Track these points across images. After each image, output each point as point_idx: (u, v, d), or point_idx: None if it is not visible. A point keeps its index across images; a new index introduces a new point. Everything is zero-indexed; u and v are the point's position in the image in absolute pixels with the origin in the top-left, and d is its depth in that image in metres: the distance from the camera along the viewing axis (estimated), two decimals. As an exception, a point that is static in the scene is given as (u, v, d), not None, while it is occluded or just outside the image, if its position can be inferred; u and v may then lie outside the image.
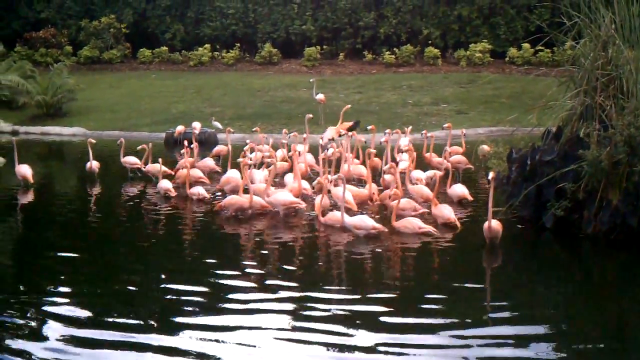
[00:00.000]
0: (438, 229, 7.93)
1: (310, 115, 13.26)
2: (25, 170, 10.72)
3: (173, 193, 9.81)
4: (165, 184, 9.92)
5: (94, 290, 6.45)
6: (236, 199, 8.72)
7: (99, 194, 10.77)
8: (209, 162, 11.38)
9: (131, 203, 10.09)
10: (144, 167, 11.19)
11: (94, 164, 11.36)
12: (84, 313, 5.73)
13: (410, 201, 8.54)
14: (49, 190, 11.37)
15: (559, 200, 7.57)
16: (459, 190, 9.18)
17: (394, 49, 24.29)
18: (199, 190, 9.65)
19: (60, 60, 23.88)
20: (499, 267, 7.18)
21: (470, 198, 9.16)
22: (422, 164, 11.00)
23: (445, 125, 11.83)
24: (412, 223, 7.90)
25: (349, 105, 14.10)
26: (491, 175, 7.57)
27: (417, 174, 9.86)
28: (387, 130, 11.24)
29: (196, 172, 10.44)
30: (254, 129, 13.50)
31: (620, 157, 7.24)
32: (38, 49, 25.89)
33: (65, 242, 8.02)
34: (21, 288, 6.49)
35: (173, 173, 10.70)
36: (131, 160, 11.44)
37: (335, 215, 8.31)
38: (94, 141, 11.74)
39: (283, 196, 8.76)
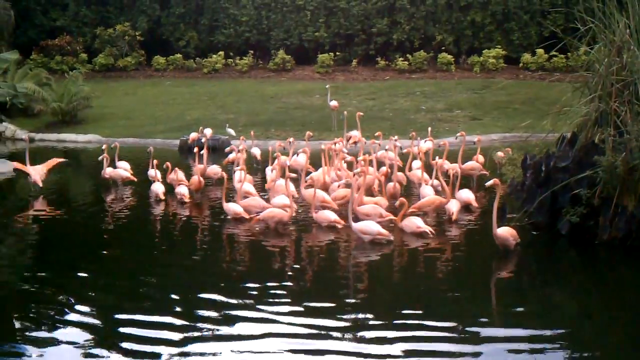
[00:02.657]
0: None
1: (361, 113, 13.44)
2: (34, 174, 10.88)
3: (162, 197, 10.10)
4: (157, 187, 10.20)
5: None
6: (276, 211, 8.43)
7: (112, 201, 10.78)
8: (216, 168, 11.41)
9: (141, 211, 10.14)
10: (106, 175, 11.24)
11: (108, 171, 11.46)
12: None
13: (376, 207, 8.51)
14: (63, 196, 11.42)
15: (574, 206, 7.52)
16: (465, 195, 9.18)
17: (407, 55, 24.29)
18: (183, 191, 9.90)
19: (75, 67, 24.05)
20: (513, 274, 7.14)
21: (475, 204, 9.18)
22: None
23: (459, 134, 11.80)
24: (412, 222, 8.02)
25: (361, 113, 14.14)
26: (490, 182, 7.61)
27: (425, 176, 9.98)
28: (395, 137, 11.29)
29: (179, 175, 10.58)
30: (250, 132, 13.79)
31: (636, 163, 7.19)
32: (54, 57, 26.11)
33: (71, 258, 7.75)
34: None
35: (135, 179, 11.14)
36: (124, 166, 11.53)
37: (324, 214, 8.40)
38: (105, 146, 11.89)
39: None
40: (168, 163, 10.78)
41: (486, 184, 7.73)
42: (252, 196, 9.29)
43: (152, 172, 11.00)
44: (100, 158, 11.40)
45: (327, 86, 18.05)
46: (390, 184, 9.80)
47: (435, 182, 9.86)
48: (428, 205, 8.81)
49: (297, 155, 11.08)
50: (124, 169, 11.53)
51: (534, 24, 24.12)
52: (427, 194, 9.29)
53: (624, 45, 7.93)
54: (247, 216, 8.79)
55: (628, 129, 7.44)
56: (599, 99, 7.94)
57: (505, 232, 7.29)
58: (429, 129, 13.17)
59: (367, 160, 9.58)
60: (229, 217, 8.94)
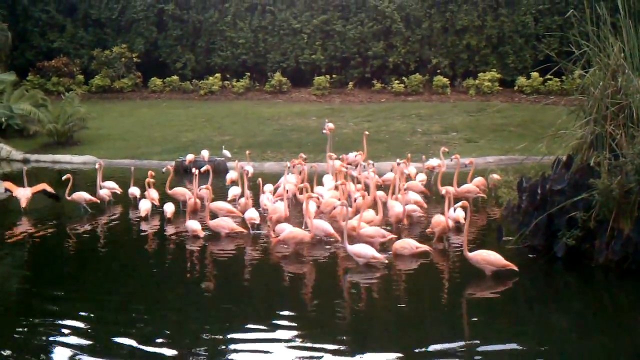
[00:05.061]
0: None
1: (367, 132, 13.56)
2: (21, 194, 11.01)
3: (143, 214, 10.27)
4: (142, 205, 10.44)
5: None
6: (296, 232, 8.41)
7: (106, 223, 10.75)
8: (203, 190, 11.39)
9: (133, 234, 10.12)
10: (68, 197, 11.15)
11: (101, 192, 11.48)
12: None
13: (378, 229, 8.56)
14: (53, 218, 11.28)
15: (570, 229, 7.52)
16: (454, 215, 9.15)
17: (403, 77, 24.39)
18: (169, 209, 10.13)
19: (71, 89, 24.10)
20: (509, 297, 7.10)
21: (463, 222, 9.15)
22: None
23: (453, 156, 11.84)
24: (409, 244, 7.99)
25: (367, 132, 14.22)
26: (459, 204, 7.76)
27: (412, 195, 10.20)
28: (398, 160, 11.31)
29: (152, 194, 10.89)
30: (247, 152, 14.20)
31: (632, 186, 7.20)
32: (50, 78, 26.15)
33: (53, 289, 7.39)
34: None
35: (98, 200, 11.26)
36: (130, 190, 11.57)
37: (281, 227, 8.66)
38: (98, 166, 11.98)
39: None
40: (150, 179, 11.04)
41: (454, 206, 7.83)
42: (227, 213, 9.68)
43: (132, 190, 11.36)
44: (64, 178, 11.41)
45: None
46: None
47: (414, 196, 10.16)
48: (436, 226, 8.81)
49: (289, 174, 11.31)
50: (109, 188, 11.68)
51: (529, 48, 24.29)
52: (397, 209, 9.46)
53: (618, 68, 7.97)
54: (201, 234, 9.07)
55: (623, 152, 7.46)
56: (594, 122, 7.97)
57: (476, 256, 7.30)
58: (442, 148, 12.99)
59: (345, 185, 9.83)
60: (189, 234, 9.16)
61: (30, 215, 10.93)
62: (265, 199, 10.29)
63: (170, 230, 9.82)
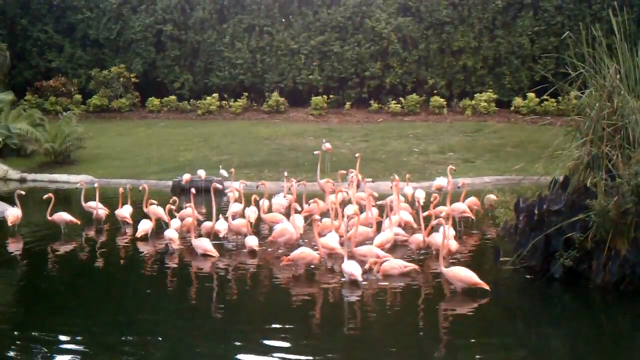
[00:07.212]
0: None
1: (357, 155, 13.62)
2: (9, 213, 11.05)
3: (140, 235, 10.23)
4: (142, 225, 10.40)
5: None
6: (307, 252, 8.39)
7: (103, 243, 10.73)
8: (188, 210, 11.32)
9: (124, 254, 10.09)
10: (49, 217, 11.06)
11: (100, 212, 11.44)
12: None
13: (372, 248, 8.58)
14: (45, 236, 11.26)
15: (568, 250, 7.51)
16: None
17: (400, 98, 24.50)
18: (143, 226, 10.28)
19: (69, 108, 24.12)
20: (506, 318, 7.08)
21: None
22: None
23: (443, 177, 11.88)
24: (396, 263, 8.04)
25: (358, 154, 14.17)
26: (435, 222, 8.04)
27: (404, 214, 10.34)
28: (396, 178, 11.30)
29: (122, 212, 11.20)
30: (232, 170, 14.01)
31: (628, 207, 7.21)
32: (48, 98, 26.18)
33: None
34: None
35: (78, 222, 11.02)
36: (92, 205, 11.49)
37: (249, 240, 9.27)
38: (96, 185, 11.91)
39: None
40: (153, 200, 10.95)
41: (432, 223, 7.91)
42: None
43: (120, 211, 11.28)
44: (45, 198, 11.34)
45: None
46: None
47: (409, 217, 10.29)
48: (435, 247, 8.87)
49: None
50: (102, 209, 11.55)
51: (525, 69, 24.44)
52: (417, 237, 9.37)
53: (614, 90, 8.02)
54: (176, 244, 9.40)
55: (620, 173, 7.48)
56: (591, 142, 8.00)
57: (448, 272, 7.39)
58: (449, 166, 12.79)
59: (317, 203, 10.08)
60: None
61: (20, 235, 10.92)
62: (250, 211, 10.35)
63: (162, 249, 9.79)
